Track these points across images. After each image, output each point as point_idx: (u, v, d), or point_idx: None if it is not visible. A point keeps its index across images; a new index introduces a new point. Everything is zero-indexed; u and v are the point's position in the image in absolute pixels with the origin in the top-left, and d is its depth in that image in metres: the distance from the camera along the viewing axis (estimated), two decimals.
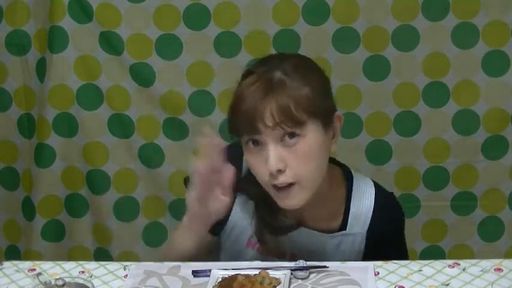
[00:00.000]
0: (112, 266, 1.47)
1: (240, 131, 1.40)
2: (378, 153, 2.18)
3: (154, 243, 2.26)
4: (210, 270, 1.40)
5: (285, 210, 1.48)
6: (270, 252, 1.53)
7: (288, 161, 1.38)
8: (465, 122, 2.14)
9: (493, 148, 2.15)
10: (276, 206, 1.46)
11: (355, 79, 2.13)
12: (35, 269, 1.45)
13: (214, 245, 1.57)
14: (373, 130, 2.17)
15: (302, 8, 2.08)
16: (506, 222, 2.21)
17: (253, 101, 1.37)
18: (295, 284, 1.38)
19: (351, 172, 1.56)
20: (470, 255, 2.20)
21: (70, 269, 1.45)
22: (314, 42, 2.09)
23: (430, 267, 1.42)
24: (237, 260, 1.50)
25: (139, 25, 2.13)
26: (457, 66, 2.11)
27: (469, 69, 2.11)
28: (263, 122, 1.36)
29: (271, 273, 1.37)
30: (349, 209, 1.52)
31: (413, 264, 1.43)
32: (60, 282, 1.26)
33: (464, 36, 2.08)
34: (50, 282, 1.27)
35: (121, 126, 2.20)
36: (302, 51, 2.07)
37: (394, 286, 1.37)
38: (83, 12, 2.12)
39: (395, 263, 1.43)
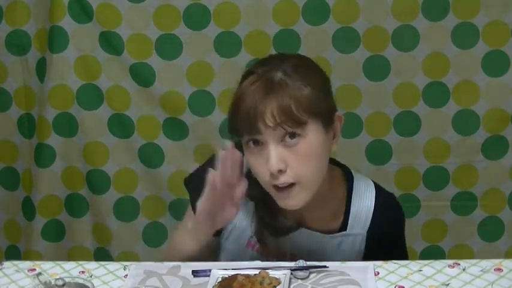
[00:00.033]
0: (112, 266, 1.47)
1: (241, 131, 1.40)
2: (378, 153, 2.18)
3: (154, 243, 2.26)
4: (210, 270, 1.40)
5: (285, 210, 1.48)
6: (270, 252, 1.52)
7: (289, 161, 1.38)
8: (465, 122, 2.14)
9: (493, 148, 2.15)
10: (276, 206, 1.46)
11: (355, 79, 2.13)
12: (35, 269, 1.45)
13: (215, 245, 1.57)
14: (373, 130, 2.17)
15: (302, 8, 2.08)
16: (506, 222, 2.21)
17: (253, 101, 1.37)
18: (295, 284, 1.38)
19: (351, 172, 1.56)
20: (470, 255, 2.20)
21: (70, 269, 1.45)
22: (314, 42, 2.09)
23: (430, 267, 1.42)
24: (237, 261, 1.50)
25: (139, 25, 2.13)
26: (457, 66, 2.11)
27: (469, 69, 2.11)
28: (264, 122, 1.36)
29: (271, 273, 1.37)
30: (349, 210, 1.52)
31: (413, 264, 1.43)
32: (60, 282, 1.26)
33: (464, 36, 2.08)
34: (50, 282, 1.28)
35: (121, 126, 2.20)
36: (302, 51, 2.07)
37: (394, 286, 1.37)
38: (83, 12, 2.12)
39: (395, 263, 1.43)
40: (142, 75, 2.16)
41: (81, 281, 1.31)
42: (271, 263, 1.44)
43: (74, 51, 2.15)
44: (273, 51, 2.05)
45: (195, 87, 2.16)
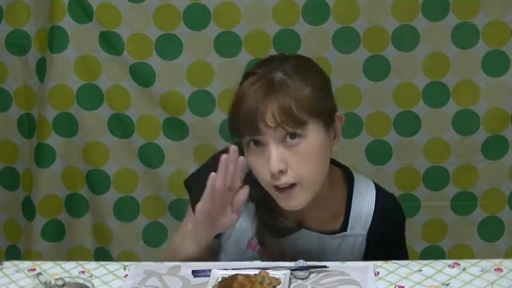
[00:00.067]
0: (112, 266, 1.47)
1: (241, 131, 1.40)
2: (378, 153, 2.18)
3: (154, 243, 2.26)
4: (210, 270, 1.40)
5: (286, 212, 1.48)
6: (271, 253, 1.52)
7: (290, 162, 1.38)
8: (465, 122, 2.14)
9: (493, 148, 2.15)
10: (276, 207, 1.46)
11: (355, 79, 2.13)
12: (35, 269, 1.45)
13: (215, 246, 1.57)
14: (373, 130, 2.17)
15: (302, 8, 2.08)
16: (506, 222, 2.21)
17: (254, 102, 1.37)
18: (295, 284, 1.38)
19: (351, 173, 1.55)
20: (470, 255, 2.20)
21: (70, 269, 1.45)
22: (314, 42, 2.09)
23: (430, 267, 1.42)
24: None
25: (139, 25, 2.13)
26: (457, 66, 2.11)
27: (469, 69, 2.11)
28: (264, 122, 1.36)
29: (271, 273, 1.37)
30: (349, 210, 1.52)
31: (413, 264, 1.43)
32: (60, 282, 1.26)
33: (464, 36, 2.08)
34: (50, 282, 1.28)
35: (121, 126, 2.20)
36: (302, 51, 2.07)
37: (394, 286, 1.37)
38: (83, 12, 2.12)
39: (395, 263, 1.43)
40: (142, 75, 2.16)
41: (81, 281, 1.31)
42: (271, 263, 1.44)
43: (74, 51, 2.15)
44: (273, 51, 2.06)
45: (195, 87, 2.16)
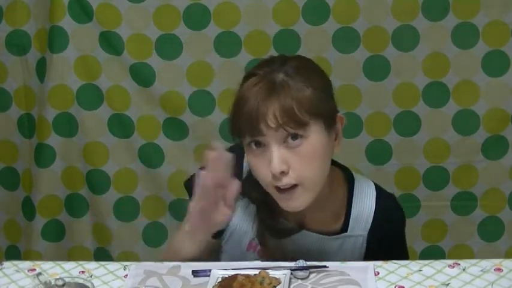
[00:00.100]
0: (112, 266, 1.47)
1: (243, 132, 1.40)
2: (378, 153, 2.18)
3: (154, 243, 2.26)
4: (210, 270, 1.40)
5: (286, 213, 1.48)
6: (272, 254, 1.52)
7: (291, 163, 1.38)
8: (465, 122, 2.14)
9: (493, 148, 2.15)
10: (277, 208, 1.46)
11: (355, 79, 2.13)
12: (35, 269, 1.45)
13: (215, 247, 1.57)
14: (373, 130, 2.17)
15: (302, 8, 2.08)
16: (506, 222, 2.21)
17: (255, 102, 1.37)
18: (295, 284, 1.38)
19: (352, 174, 1.56)
20: (470, 255, 2.20)
21: (70, 269, 1.45)
22: (314, 42, 2.09)
23: (430, 267, 1.42)
24: None
25: (139, 25, 2.13)
26: (457, 66, 2.11)
27: (469, 69, 2.11)
28: (266, 123, 1.36)
29: (271, 273, 1.37)
30: (350, 211, 1.52)
31: (413, 264, 1.43)
32: (60, 282, 1.26)
33: (464, 36, 2.08)
34: (50, 282, 1.28)
35: (121, 126, 2.20)
36: (302, 51, 2.07)
37: (394, 286, 1.37)
38: (83, 12, 2.12)
39: (395, 263, 1.43)
40: (142, 75, 2.16)
41: (81, 281, 1.31)
42: (271, 263, 1.44)
43: (74, 51, 2.15)
44: (273, 51, 2.06)
45: (195, 87, 2.16)
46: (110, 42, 2.14)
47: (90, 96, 2.18)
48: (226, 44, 2.12)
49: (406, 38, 2.09)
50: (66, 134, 2.21)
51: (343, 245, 1.52)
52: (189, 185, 1.59)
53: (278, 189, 1.40)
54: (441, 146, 2.16)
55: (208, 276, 1.39)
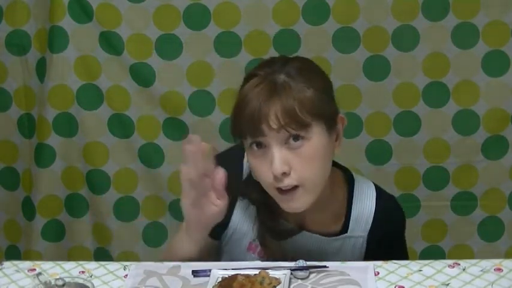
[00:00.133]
0: (112, 266, 1.47)
1: (244, 133, 1.40)
2: (378, 153, 2.18)
3: (154, 243, 2.26)
4: (210, 270, 1.40)
5: (287, 214, 1.47)
6: (272, 255, 1.52)
7: (293, 164, 1.38)
8: (465, 122, 2.14)
9: (493, 148, 2.15)
10: (277, 210, 1.46)
11: (355, 79, 2.13)
12: (35, 269, 1.45)
13: (215, 248, 1.56)
14: (373, 130, 2.17)
15: (302, 8, 2.08)
16: (506, 222, 2.21)
17: (257, 103, 1.36)
18: (295, 284, 1.38)
19: (352, 175, 1.55)
20: (470, 255, 2.20)
21: (70, 269, 1.45)
22: (314, 42, 2.09)
23: (430, 267, 1.42)
24: None
25: (139, 25, 2.13)
26: (457, 66, 2.11)
27: (469, 69, 2.11)
28: (267, 124, 1.36)
29: (271, 273, 1.37)
30: (350, 212, 1.52)
31: (413, 264, 1.43)
32: (60, 282, 1.26)
33: (464, 36, 2.08)
34: (50, 282, 1.27)
35: (121, 126, 2.20)
36: (302, 51, 2.07)
37: (394, 286, 1.37)
38: (83, 12, 2.12)
39: (395, 263, 1.43)
40: (142, 75, 2.16)
41: (81, 281, 1.31)
42: (271, 263, 1.44)
43: (74, 51, 2.15)
44: (273, 51, 2.06)
45: (195, 87, 2.16)
46: (110, 42, 2.14)
47: (90, 96, 2.18)
48: (226, 44, 2.12)
49: (406, 38, 2.09)
50: (66, 134, 2.21)
51: (343, 245, 1.52)
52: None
53: (279, 190, 1.40)
54: (441, 146, 2.16)
55: (208, 276, 1.39)
